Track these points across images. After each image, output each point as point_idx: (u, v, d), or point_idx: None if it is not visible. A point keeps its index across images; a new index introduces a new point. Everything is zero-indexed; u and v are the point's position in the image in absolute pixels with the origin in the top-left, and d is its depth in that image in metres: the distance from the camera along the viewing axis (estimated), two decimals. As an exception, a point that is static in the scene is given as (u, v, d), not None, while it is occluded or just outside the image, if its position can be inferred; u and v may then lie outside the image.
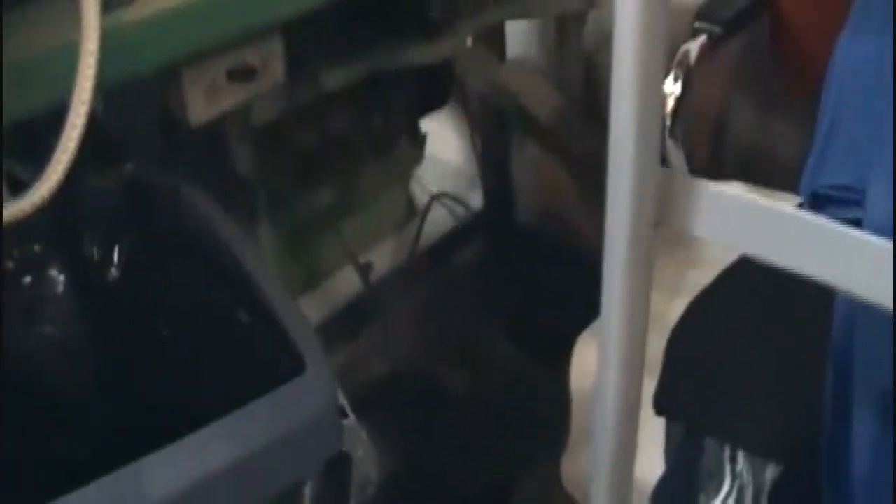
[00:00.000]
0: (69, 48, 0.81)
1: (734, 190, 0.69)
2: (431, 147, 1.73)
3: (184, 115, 1.03)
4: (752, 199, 0.67)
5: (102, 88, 0.83)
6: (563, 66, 1.71)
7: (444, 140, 1.91)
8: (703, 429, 0.92)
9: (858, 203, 0.77)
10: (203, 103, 1.04)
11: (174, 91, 1.03)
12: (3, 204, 0.79)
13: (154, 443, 0.80)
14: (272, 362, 0.90)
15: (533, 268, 1.85)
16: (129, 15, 0.91)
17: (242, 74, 1.07)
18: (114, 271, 1.07)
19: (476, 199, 1.97)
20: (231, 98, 1.07)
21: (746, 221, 0.68)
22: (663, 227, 0.74)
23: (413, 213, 1.87)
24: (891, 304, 0.60)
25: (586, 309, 1.13)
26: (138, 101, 1.12)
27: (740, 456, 0.89)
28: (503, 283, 1.89)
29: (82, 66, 0.82)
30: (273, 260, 1.53)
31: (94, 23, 0.82)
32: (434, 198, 1.90)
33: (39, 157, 0.82)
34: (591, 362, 1.00)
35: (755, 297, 0.99)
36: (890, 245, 0.59)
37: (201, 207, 1.02)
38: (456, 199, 1.95)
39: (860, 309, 0.75)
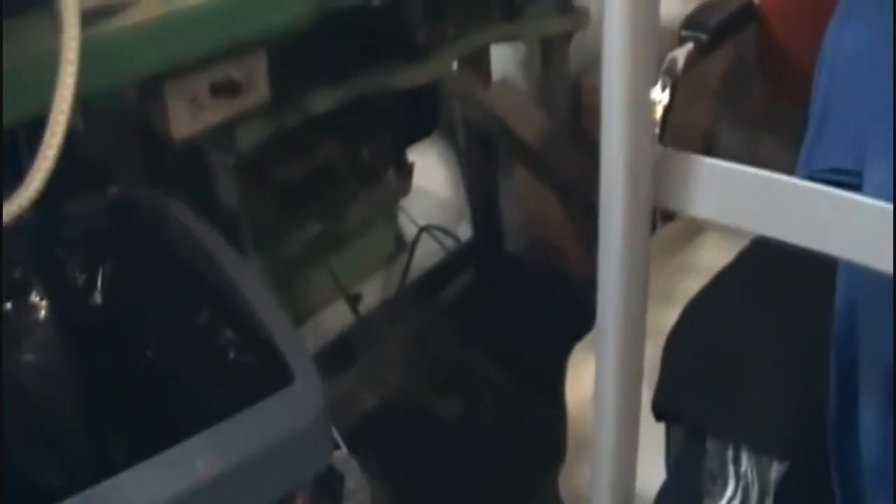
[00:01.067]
0: (48, 57, 0.80)
1: (732, 164, 0.67)
2: (419, 178, 1.71)
3: (166, 130, 1.02)
4: (752, 170, 0.66)
5: (83, 98, 0.82)
6: (549, 88, 1.70)
7: (432, 171, 1.90)
8: (705, 430, 0.90)
9: (855, 187, 0.75)
10: (186, 118, 1.03)
11: (157, 105, 1.02)
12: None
13: (140, 459, 0.78)
14: (259, 373, 0.88)
15: (522, 296, 1.85)
16: (110, 25, 0.90)
17: (226, 89, 1.05)
18: (98, 294, 1.05)
19: (465, 230, 1.96)
20: (215, 113, 1.06)
21: (747, 195, 0.66)
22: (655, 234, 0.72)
23: (402, 245, 1.86)
24: (891, 269, 0.59)
25: (576, 335, 1.16)
26: (121, 117, 1.10)
27: (744, 455, 0.87)
28: (493, 313, 1.88)
29: (62, 75, 0.81)
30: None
31: (73, 32, 0.81)
32: (423, 229, 1.89)
33: (19, 169, 0.80)
34: (587, 374, 0.99)
35: (752, 294, 0.97)
36: (890, 207, 0.58)
37: (185, 222, 1.00)
38: (444, 231, 1.94)
39: (862, 290, 0.74)
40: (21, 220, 0.78)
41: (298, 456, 0.85)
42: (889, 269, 0.58)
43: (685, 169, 0.70)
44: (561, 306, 1.61)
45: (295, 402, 0.85)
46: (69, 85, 0.81)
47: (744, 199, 0.67)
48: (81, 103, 0.93)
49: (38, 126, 0.80)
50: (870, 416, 0.75)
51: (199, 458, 0.79)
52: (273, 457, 0.82)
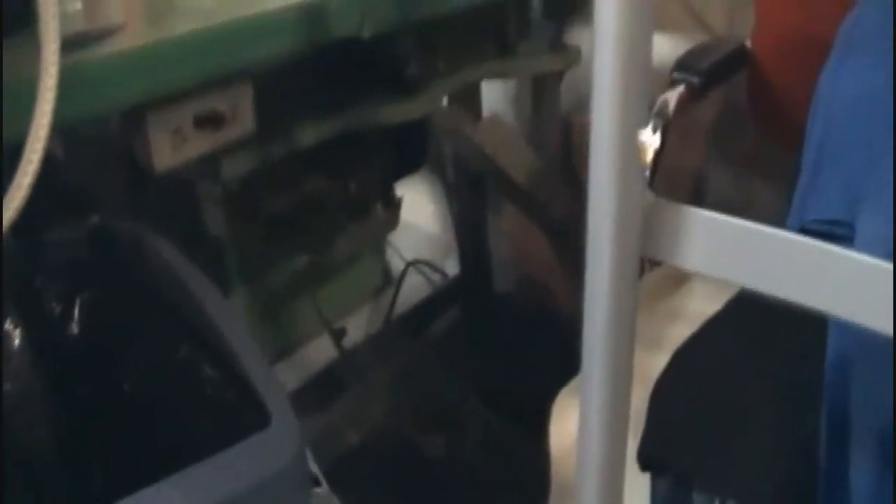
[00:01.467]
0: (28, 84, 0.78)
1: (723, 217, 0.65)
2: (407, 213, 1.70)
3: (149, 161, 1.00)
4: (744, 223, 0.64)
5: (62, 126, 0.80)
6: (539, 126, 1.69)
7: (420, 206, 1.89)
8: (692, 481, 0.88)
9: (847, 239, 0.74)
10: (168, 150, 1.01)
11: (139, 137, 1.00)
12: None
13: (116, 494, 0.76)
14: (236, 413, 0.87)
15: (509, 335, 1.83)
16: (93, 52, 0.89)
17: (210, 121, 1.04)
18: (75, 324, 1.03)
19: (452, 266, 1.95)
20: (198, 145, 1.04)
21: (738, 248, 0.65)
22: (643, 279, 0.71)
23: (388, 279, 1.85)
24: (891, 330, 0.56)
25: (563, 375, 1.13)
26: (102, 148, 1.09)
27: (731, 510, 0.85)
28: (479, 350, 1.86)
29: (40, 102, 0.79)
30: (245, 326, 1.50)
31: (53, 58, 0.80)
32: (410, 264, 1.88)
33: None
34: (572, 419, 0.97)
35: (742, 344, 0.96)
36: (889, 266, 0.56)
37: (165, 256, 0.99)
38: (432, 266, 1.92)
39: (855, 346, 0.72)
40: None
41: (275, 499, 0.83)
42: (889, 329, 0.56)
43: (675, 219, 0.69)
44: (548, 347, 1.60)
45: (272, 444, 0.83)
46: (47, 112, 0.79)
47: (735, 252, 0.65)
48: (62, 131, 0.91)
49: (17, 152, 0.78)
50: (861, 474, 0.73)
51: (174, 499, 0.77)
52: (249, 499, 0.80)
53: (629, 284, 0.71)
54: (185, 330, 0.95)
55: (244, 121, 1.09)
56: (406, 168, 1.65)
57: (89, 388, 1.01)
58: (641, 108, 0.66)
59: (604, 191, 0.67)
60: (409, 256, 1.88)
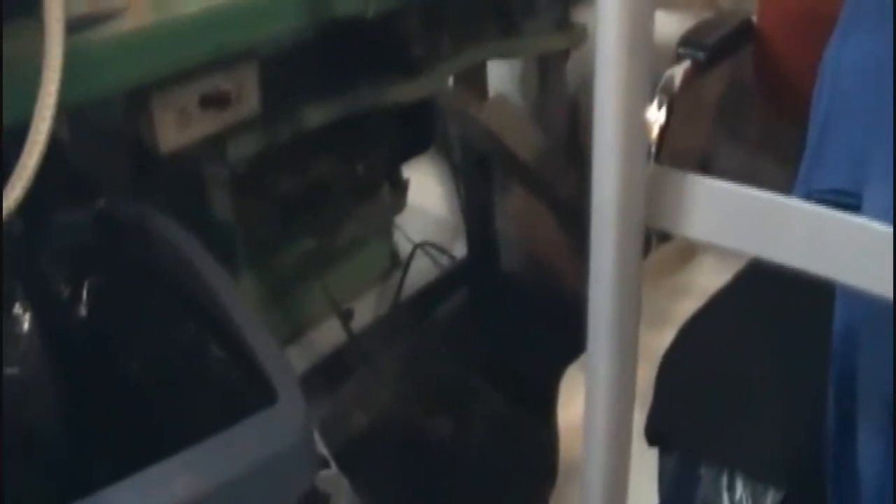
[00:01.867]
0: (33, 65, 0.78)
1: (728, 184, 0.65)
2: (414, 195, 1.71)
3: (154, 142, 1.00)
4: (749, 190, 0.64)
5: (67, 107, 0.80)
6: (545, 106, 1.69)
7: (427, 188, 1.89)
8: (699, 456, 0.88)
9: (854, 209, 0.73)
10: (174, 130, 1.01)
11: (144, 118, 1.00)
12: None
13: (121, 475, 0.76)
14: (242, 392, 0.87)
15: (517, 315, 1.82)
16: (98, 33, 0.89)
17: (216, 101, 1.04)
18: (82, 307, 1.03)
19: (460, 248, 1.94)
20: (204, 126, 1.04)
21: (744, 216, 0.64)
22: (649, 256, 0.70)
23: (396, 262, 1.85)
24: (891, 294, 0.56)
25: (569, 356, 1.13)
26: (107, 130, 1.09)
27: (739, 483, 0.85)
28: (487, 332, 1.86)
29: (45, 84, 0.79)
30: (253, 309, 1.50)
31: (57, 38, 0.80)
32: (417, 247, 1.87)
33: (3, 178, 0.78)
34: (579, 396, 0.97)
35: (749, 317, 0.96)
36: (890, 230, 0.56)
37: (171, 237, 0.99)
38: (439, 248, 1.92)
39: (862, 315, 0.71)
40: (4, 231, 0.76)
41: (280, 477, 0.83)
42: (889, 294, 0.56)
43: (679, 188, 0.68)
44: (555, 326, 1.60)
45: (278, 421, 0.82)
46: (52, 93, 0.79)
47: (740, 220, 0.65)
48: (67, 113, 0.91)
49: (22, 135, 0.78)
50: (869, 445, 0.73)
51: (177, 478, 0.77)
52: (254, 478, 0.80)
53: (634, 258, 0.70)
54: (191, 310, 0.95)
55: (250, 101, 1.09)
56: (412, 149, 1.64)
57: (97, 369, 1.01)
58: (645, 80, 0.65)
59: (607, 161, 0.67)
60: (417, 238, 1.88)
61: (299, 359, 1.59)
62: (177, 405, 0.94)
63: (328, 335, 1.66)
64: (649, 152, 0.77)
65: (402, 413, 1.69)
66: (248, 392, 0.86)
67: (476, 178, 1.83)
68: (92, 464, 0.98)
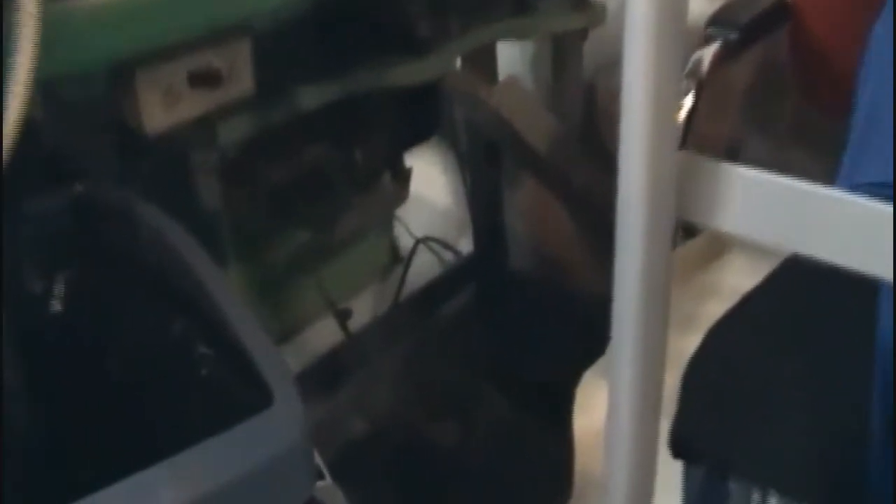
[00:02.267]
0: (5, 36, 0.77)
1: (763, 173, 0.64)
2: (417, 186, 1.69)
3: (139, 123, 0.99)
4: (786, 180, 0.63)
5: (44, 83, 0.79)
6: (560, 90, 1.68)
7: (431, 178, 1.89)
8: (728, 470, 0.88)
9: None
10: (160, 110, 1.01)
11: (128, 96, 0.99)
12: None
13: (103, 484, 0.75)
14: (235, 394, 0.86)
15: (527, 316, 1.83)
16: (78, 1, 0.88)
17: (206, 79, 1.03)
18: (57, 303, 1.03)
19: (466, 243, 1.95)
20: (192, 106, 1.04)
21: (780, 208, 0.64)
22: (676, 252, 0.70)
23: (397, 257, 1.84)
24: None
25: (586, 360, 1.14)
26: (88, 109, 1.08)
27: (772, 500, 0.85)
28: (495, 333, 1.86)
29: (19, 55, 0.78)
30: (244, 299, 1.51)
31: (32, 5, 0.79)
32: (420, 241, 1.88)
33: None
34: (597, 403, 0.97)
35: (783, 320, 0.95)
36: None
37: (156, 225, 0.98)
38: (443, 244, 1.93)
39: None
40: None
41: (276, 486, 0.82)
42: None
43: (711, 177, 0.68)
44: (570, 328, 1.61)
45: (274, 426, 0.81)
46: (27, 66, 0.78)
47: (776, 212, 0.64)
48: (44, 89, 0.90)
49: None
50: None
51: (165, 486, 0.76)
52: (248, 486, 0.79)
53: (663, 252, 0.70)
54: (178, 305, 0.94)
55: (242, 80, 1.08)
56: (416, 136, 1.64)
57: (76, 369, 1.00)
58: (676, 64, 0.65)
59: (635, 148, 0.66)
60: (420, 232, 1.88)
61: (292, 361, 1.59)
62: (164, 407, 0.94)
63: (323, 335, 1.66)
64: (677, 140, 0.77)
65: (403, 420, 1.69)
66: (241, 393, 0.85)
67: (484, 167, 1.84)
68: (73, 470, 0.97)
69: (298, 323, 1.63)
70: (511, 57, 1.73)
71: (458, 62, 1.59)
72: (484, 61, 1.68)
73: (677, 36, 0.64)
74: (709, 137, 1.29)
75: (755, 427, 0.88)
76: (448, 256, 1.94)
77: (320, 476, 1.04)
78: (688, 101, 1.12)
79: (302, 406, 0.84)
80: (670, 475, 0.95)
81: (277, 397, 0.82)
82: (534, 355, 1.75)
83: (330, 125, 1.41)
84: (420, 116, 1.60)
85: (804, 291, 0.95)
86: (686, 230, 1.22)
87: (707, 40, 1.14)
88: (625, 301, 0.72)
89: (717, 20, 1.15)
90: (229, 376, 0.88)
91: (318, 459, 1.05)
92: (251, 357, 0.85)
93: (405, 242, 1.86)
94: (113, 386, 0.99)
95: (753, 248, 1.08)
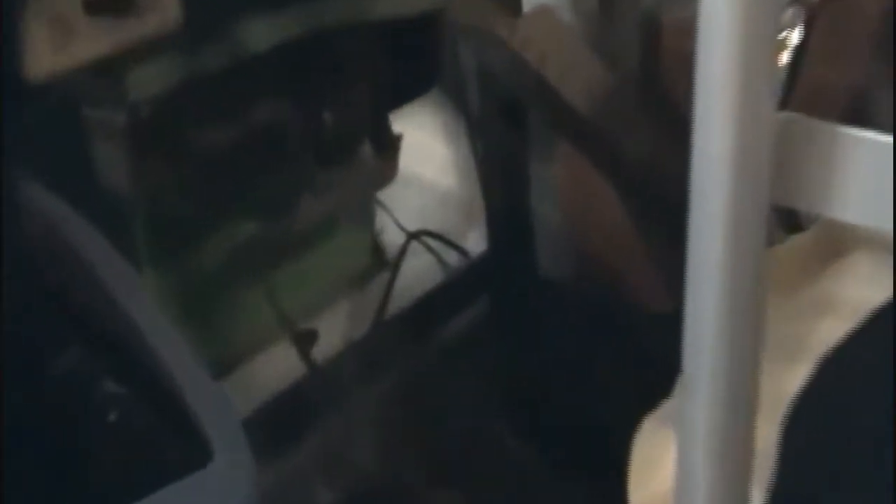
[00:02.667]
0: None
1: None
2: (409, 159, 1.72)
3: (18, 66, 1.00)
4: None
5: None
6: (611, 26, 1.69)
7: (427, 148, 1.91)
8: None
9: None
10: (48, 48, 1.01)
11: (4, 29, 0.99)
12: None
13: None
14: (161, 447, 0.89)
15: (562, 343, 1.84)
16: None
17: (110, 6, 1.03)
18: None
19: (476, 240, 1.97)
20: (92, 43, 1.04)
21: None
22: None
23: (381, 259, 1.87)
24: None
25: (644, 402, 1.15)
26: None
27: None
28: (516, 364, 1.88)
29: None
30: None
31: None
32: (413, 237, 1.90)
33: None
34: (662, 460, 0.98)
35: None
36: None
37: (43, 210, 0.99)
38: (445, 240, 1.95)
39: None
40: None
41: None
42: None
43: (824, 148, 0.69)
44: (622, 358, 1.61)
45: (213, 489, 0.85)
46: None
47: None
48: None
49: None
50: None
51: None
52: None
53: (755, 253, 0.71)
54: (73, 323, 0.97)
55: (164, 8, 1.08)
56: (408, 90, 1.67)
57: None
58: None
59: (717, 109, 0.67)
60: (413, 225, 1.90)
61: (238, 401, 1.59)
62: (58, 462, 0.94)
63: (279, 367, 1.68)
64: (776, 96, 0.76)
65: (388, 485, 1.69)
66: (167, 446, 0.88)
67: (502, 133, 1.84)
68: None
69: (245, 350, 1.66)
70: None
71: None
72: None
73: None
74: (823, 91, 1.29)
75: (877, 489, 0.89)
76: (451, 257, 1.96)
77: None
78: (793, 39, 1.12)
79: (251, 463, 0.86)
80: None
81: (218, 451, 0.86)
82: (572, 396, 1.74)
83: (287, 74, 1.43)
84: (412, 63, 1.62)
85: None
86: (789, 222, 1.23)
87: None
88: (701, 321, 0.73)
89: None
90: (150, 423, 0.91)
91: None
92: (180, 396, 0.88)
93: (393, 238, 1.88)
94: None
95: (883, 247, 1.08)
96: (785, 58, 1.12)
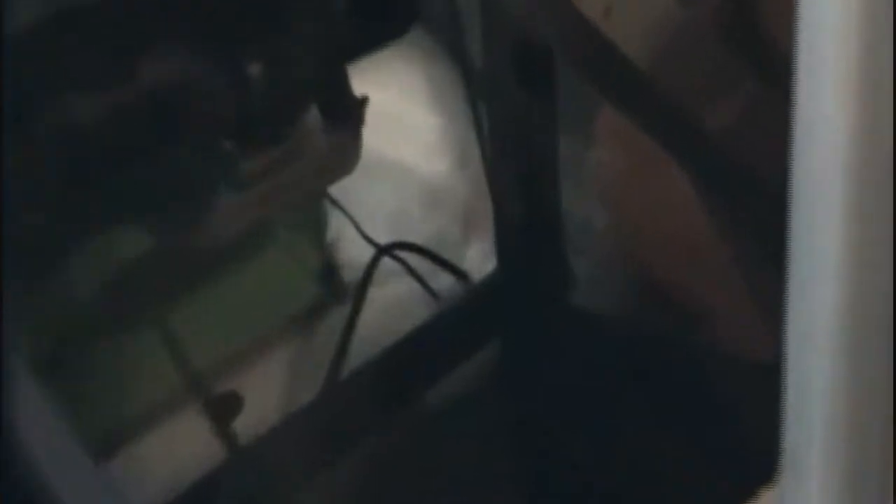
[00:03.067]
0: None
1: None
2: (377, 136, 1.71)
3: None
4: None
5: None
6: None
7: (407, 119, 1.92)
8: None
9: None
10: None
11: None
12: None
13: None
14: None
15: (605, 405, 1.85)
16: None
17: None
18: None
19: (478, 256, 1.98)
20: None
21: None
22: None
23: (336, 286, 1.90)
24: None
25: (735, 491, 1.17)
26: None
27: None
28: (536, 439, 1.89)
29: None
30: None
31: None
32: (383, 251, 1.91)
33: None
34: None
35: None
36: None
37: None
38: (432, 254, 1.96)
39: None
40: None
41: None
42: None
43: None
44: (700, 432, 1.61)
45: None
46: None
47: None
48: None
49: None
50: None
51: None
52: None
53: (887, 269, 0.72)
54: None
55: None
56: (375, 31, 1.67)
57: None
58: None
59: (831, 61, 0.67)
60: (383, 235, 1.92)
61: (125, 494, 1.60)
62: None
63: (185, 446, 1.69)
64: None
65: None
66: None
67: (518, 96, 1.84)
68: None
69: (137, 422, 1.69)
70: None
71: None
72: None
73: None
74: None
75: None
76: (442, 282, 1.96)
77: None
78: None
79: None
80: None
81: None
82: (628, 488, 1.76)
83: (199, 9, 1.44)
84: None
85: None
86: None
87: None
88: (810, 374, 0.74)
89: None
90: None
91: None
92: (46, 487, 0.87)
93: (355, 254, 1.90)
94: None
95: None
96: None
